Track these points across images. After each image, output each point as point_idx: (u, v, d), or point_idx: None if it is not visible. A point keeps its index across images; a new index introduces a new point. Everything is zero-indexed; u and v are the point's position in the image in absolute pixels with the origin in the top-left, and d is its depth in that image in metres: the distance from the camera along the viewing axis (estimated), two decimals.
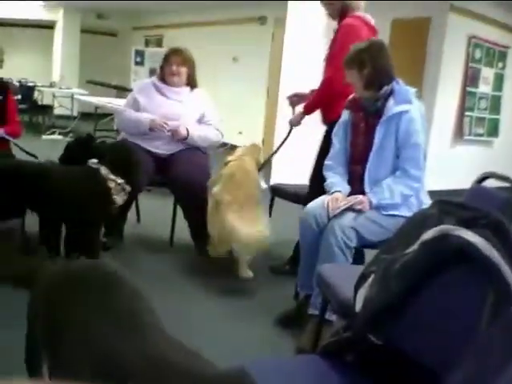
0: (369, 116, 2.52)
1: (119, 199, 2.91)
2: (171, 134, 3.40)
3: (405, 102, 2.42)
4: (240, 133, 8.66)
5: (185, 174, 3.34)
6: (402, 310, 1.15)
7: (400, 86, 2.47)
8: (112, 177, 2.84)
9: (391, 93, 2.44)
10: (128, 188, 2.94)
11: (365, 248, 2.52)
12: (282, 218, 3.81)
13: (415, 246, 1.14)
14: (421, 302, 1.14)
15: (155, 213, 4.21)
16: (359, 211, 2.38)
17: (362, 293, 1.24)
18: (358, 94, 2.54)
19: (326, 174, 2.65)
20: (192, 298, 2.87)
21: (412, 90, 2.50)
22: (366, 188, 2.47)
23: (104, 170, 2.84)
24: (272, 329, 2.55)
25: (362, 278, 1.29)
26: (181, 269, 3.29)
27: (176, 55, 3.51)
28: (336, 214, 2.36)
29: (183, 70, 3.52)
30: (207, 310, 2.74)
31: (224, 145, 4.23)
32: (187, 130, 3.43)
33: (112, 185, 2.84)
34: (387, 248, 1.27)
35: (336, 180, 2.58)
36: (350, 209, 2.38)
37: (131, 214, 3.77)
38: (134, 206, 3.83)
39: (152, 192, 4.15)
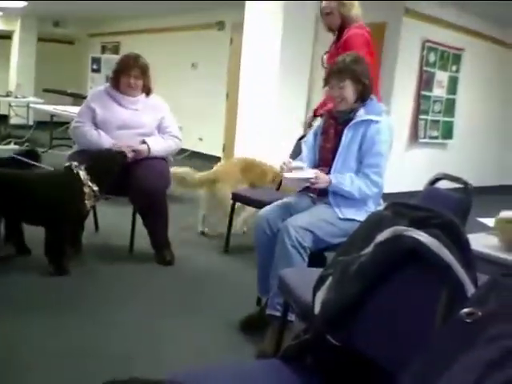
0: (338, 124, 2.60)
1: (88, 205, 3.10)
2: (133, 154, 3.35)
3: (375, 114, 2.52)
4: (200, 139, 8.63)
5: (144, 181, 3.30)
6: (359, 311, 1.16)
7: (373, 100, 2.59)
8: (89, 183, 3.03)
9: (364, 105, 2.55)
10: (98, 196, 3.10)
11: (324, 251, 2.55)
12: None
13: (370, 248, 1.15)
14: (377, 302, 1.16)
15: (114, 221, 4.14)
16: (314, 198, 2.50)
17: (320, 295, 1.25)
18: (345, 106, 2.56)
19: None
20: (152, 306, 2.83)
21: (383, 107, 2.62)
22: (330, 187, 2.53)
23: (84, 176, 3.02)
24: (234, 334, 2.54)
25: (320, 281, 1.29)
26: (141, 277, 3.25)
27: (134, 67, 3.42)
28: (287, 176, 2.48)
29: (140, 83, 3.47)
30: (168, 317, 2.70)
31: (184, 151, 4.18)
32: (148, 146, 3.40)
33: (87, 190, 3.02)
34: (343, 250, 1.28)
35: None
36: (304, 211, 2.47)
37: (89, 223, 3.70)
38: (91, 214, 3.76)
39: (110, 200, 4.08)
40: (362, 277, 1.14)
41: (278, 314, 2.30)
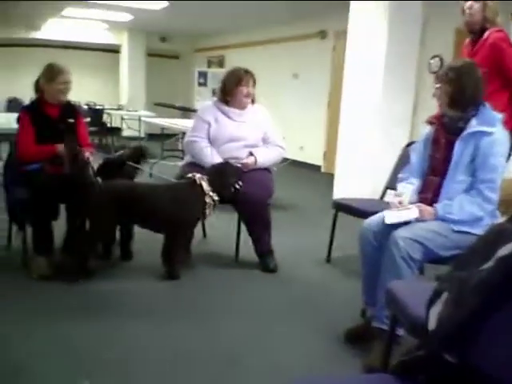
0: (450, 133, 2.50)
1: (207, 214, 3.28)
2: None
3: (488, 125, 2.38)
4: (301, 148, 8.68)
5: (248, 191, 3.38)
6: (478, 328, 1.10)
7: (486, 109, 2.45)
8: (211, 193, 3.19)
9: (475, 114, 2.42)
10: (216, 205, 3.26)
11: (433, 263, 2.44)
12: (345, 233, 3.76)
13: (491, 263, 1.09)
14: (498, 319, 1.09)
15: (221, 228, 4.27)
16: (421, 221, 2.37)
17: (435, 311, 1.20)
18: (442, 110, 2.53)
19: (398, 185, 2.67)
20: (258, 312, 2.88)
21: (498, 116, 2.45)
22: (440, 199, 2.45)
23: (206, 187, 3.18)
24: (338, 345, 2.51)
25: (435, 296, 1.24)
26: (245, 284, 3.32)
27: (249, 80, 3.54)
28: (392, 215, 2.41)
29: (253, 94, 3.60)
30: (272, 324, 2.74)
31: (285, 160, 4.25)
32: (255, 158, 3.52)
33: (208, 199, 3.19)
34: (459, 264, 1.22)
35: (405, 189, 2.58)
36: (412, 222, 2.39)
37: (197, 231, 3.85)
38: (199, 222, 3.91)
39: (217, 208, 4.22)
40: (484, 293, 1.08)
41: (385, 327, 2.24)
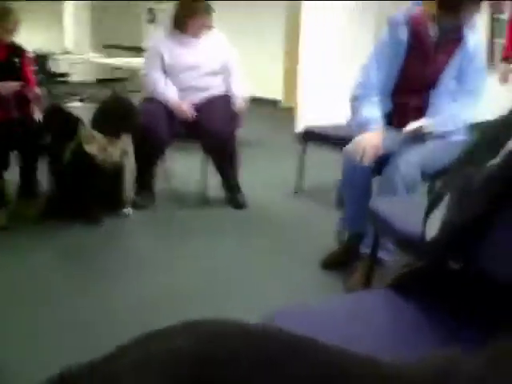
0: (443, 41, 2.27)
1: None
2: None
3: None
4: (257, 83, 8.38)
5: (212, 123, 3.23)
6: (487, 230, 1.02)
7: None
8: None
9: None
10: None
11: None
12: (311, 164, 3.68)
13: (500, 157, 0.99)
14: (507, 218, 1.01)
15: (187, 168, 4.10)
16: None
17: (437, 216, 1.10)
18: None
19: (358, 104, 2.36)
20: (232, 248, 2.82)
21: None
22: (429, 114, 2.28)
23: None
24: (318, 273, 2.47)
25: (433, 202, 1.15)
26: (215, 223, 3.22)
27: (203, 11, 3.29)
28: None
29: (208, 22, 3.37)
30: (247, 259, 2.69)
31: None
32: None
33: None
34: (462, 163, 1.12)
35: (372, 113, 2.31)
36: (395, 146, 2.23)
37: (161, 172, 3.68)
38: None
39: (183, 147, 4.03)
40: (491, 190, 0.99)
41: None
